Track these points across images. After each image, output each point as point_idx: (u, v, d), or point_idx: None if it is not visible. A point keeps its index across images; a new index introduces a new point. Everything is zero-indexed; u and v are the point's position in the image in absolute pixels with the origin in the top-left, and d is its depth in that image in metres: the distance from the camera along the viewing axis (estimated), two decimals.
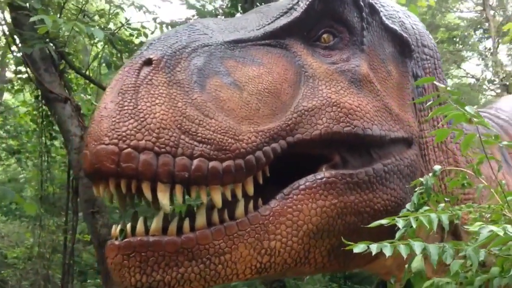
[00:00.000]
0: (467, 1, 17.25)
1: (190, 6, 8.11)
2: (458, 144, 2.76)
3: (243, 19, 2.46)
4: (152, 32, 6.49)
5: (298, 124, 2.18)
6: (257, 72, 2.17)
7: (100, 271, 9.70)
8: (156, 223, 1.97)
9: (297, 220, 2.15)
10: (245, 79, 2.12)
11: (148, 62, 2.00)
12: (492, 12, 15.65)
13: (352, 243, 1.83)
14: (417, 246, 1.80)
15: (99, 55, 6.35)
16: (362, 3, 2.48)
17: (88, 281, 9.85)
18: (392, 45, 2.68)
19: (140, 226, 1.98)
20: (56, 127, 8.68)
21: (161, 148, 1.87)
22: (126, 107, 1.91)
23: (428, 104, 2.50)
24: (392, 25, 2.67)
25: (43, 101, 7.94)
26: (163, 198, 1.90)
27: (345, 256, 2.31)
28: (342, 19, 2.44)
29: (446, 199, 2.37)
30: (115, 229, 2.07)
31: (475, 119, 1.82)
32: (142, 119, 1.89)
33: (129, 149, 1.85)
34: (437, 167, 2.36)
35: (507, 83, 13.55)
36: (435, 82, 2.00)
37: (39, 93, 7.74)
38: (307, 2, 2.37)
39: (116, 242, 1.97)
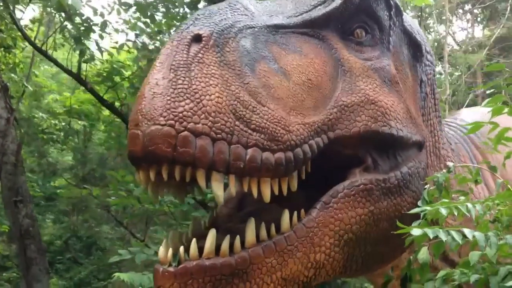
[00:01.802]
0: None
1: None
2: (445, 150, 2.88)
3: (275, 4, 2.35)
4: (110, 13, 6.20)
5: (338, 120, 2.12)
6: (300, 61, 2.08)
7: (18, 263, 9.08)
8: (210, 244, 1.83)
9: (338, 230, 2.10)
10: (290, 67, 2.03)
11: (197, 38, 1.86)
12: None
13: (405, 226, 1.84)
14: (468, 232, 1.84)
15: (58, 29, 5.94)
16: (392, 2, 2.48)
17: (4, 274, 9.15)
18: (407, 48, 2.70)
19: (194, 248, 1.83)
20: None
21: (217, 134, 1.74)
22: (180, 86, 1.76)
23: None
24: (408, 28, 2.70)
25: None
26: (218, 189, 1.78)
27: (374, 261, 2.33)
28: (375, 16, 2.41)
29: (454, 195, 2.45)
30: (166, 253, 1.88)
31: None
32: (198, 100, 1.75)
33: (186, 132, 1.71)
34: (450, 164, 2.45)
35: None
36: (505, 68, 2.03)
37: None
38: None
39: (172, 269, 1.80)
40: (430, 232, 1.83)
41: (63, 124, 10.41)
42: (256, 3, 2.29)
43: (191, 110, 1.72)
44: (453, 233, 1.85)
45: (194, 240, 1.84)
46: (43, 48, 6.53)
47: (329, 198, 2.10)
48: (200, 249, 1.84)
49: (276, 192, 1.94)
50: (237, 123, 1.78)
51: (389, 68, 2.40)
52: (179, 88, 1.75)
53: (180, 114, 1.71)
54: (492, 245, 1.87)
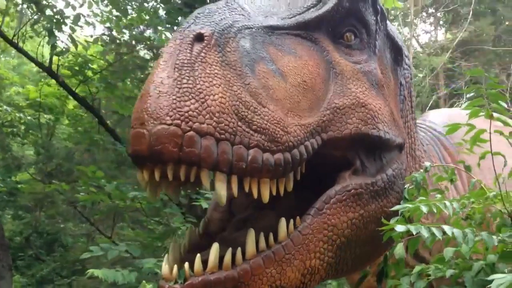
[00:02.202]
0: None
1: None
2: (420, 151, 2.98)
3: (268, 4, 2.34)
4: (81, 5, 6.09)
5: (331, 121, 2.15)
6: (295, 63, 2.10)
7: None
8: (214, 258, 1.87)
9: (331, 235, 2.15)
10: (287, 69, 2.05)
11: (199, 37, 1.85)
12: None
13: (388, 222, 1.92)
14: (448, 229, 1.94)
15: (30, 21, 5.81)
16: (378, 7, 2.54)
17: None
18: (389, 52, 2.76)
19: (198, 264, 1.86)
20: None
21: (221, 134, 1.75)
22: (185, 85, 1.75)
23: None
24: (391, 32, 2.77)
25: None
26: (222, 189, 1.80)
27: (361, 262, 2.42)
28: (364, 20, 2.45)
29: (432, 193, 2.55)
30: (169, 270, 1.91)
31: (500, 116, 1.98)
32: (202, 100, 1.74)
33: (192, 132, 1.70)
34: (427, 163, 2.55)
35: None
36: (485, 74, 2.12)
37: None
38: None
39: (178, 286, 1.83)
40: (413, 229, 1.92)
41: (29, 117, 10.17)
42: (250, 2, 2.28)
43: (196, 110, 1.73)
44: (434, 229, 1.94)
45: (198, 255, 1.86)
46: (14, 40, 6.36)
47: (322, 204, 2.14)
48: (202, 262, 1.87)
49: (274, 193, 1.97)
50: (239, 123, 1.79)
51: (376, 72, 2.45)
52: (184, 88, 1.75)
53: (186, 114, 1.71)
54: (469, 241, 1.97)
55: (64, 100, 10.23)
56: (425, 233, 1.92)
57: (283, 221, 2.02)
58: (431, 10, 20.55)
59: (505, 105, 2.01)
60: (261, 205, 2.09)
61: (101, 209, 7.93)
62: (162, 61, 1.82)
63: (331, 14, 2.31)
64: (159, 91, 1.74)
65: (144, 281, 2.55)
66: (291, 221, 2.05)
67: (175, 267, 1.89)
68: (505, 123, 2.13)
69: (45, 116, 9.87)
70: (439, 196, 2.39)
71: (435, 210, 2.06)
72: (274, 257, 1.95)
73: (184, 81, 1.76)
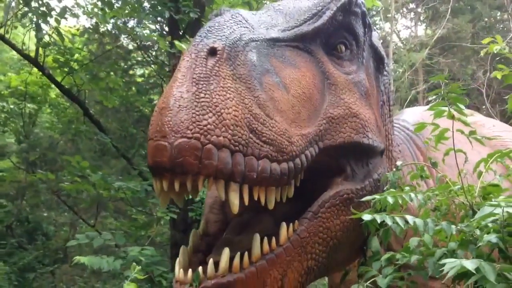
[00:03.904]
0: None
1: None
2: (396, 152, 3.17)
3: (267, 15, 2.44)
4: None
5: (326, 131, 2.28)
6: (295, 74, 2.20)
7: None
8: (225, 263, 2.00)
9: (326, 237, 2.31)
10: (288, 80, 2.15)
11: (212, 51, 1.94)
12: None
13: (358, 212, 2.11)
14: (410, 218, 2.13)
15: (17, 13, 5.84)
16: (367, 20, 2.68)
17: None
18: (372, 61, 2.91)
19: (211, 268, 2.00)
20: None
21: (235, 146, 1.85)
22: (203, 99, 1.84)
23: None
24: (374, 42, 2.92)
25: None
26: (235, 198, 1.90)
27: (349, 260, 2.62)
28: (354, 32, 2.57)
29: (406, 187, 2.74)
30: (183, 273, 2.05)
31: (461, 116, 2.18)
32: (218, 113, 1.83)
33: (210, 145, 1.80)
34: (398, 162, 2.74)
35: None
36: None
37: None
38: (332, 12, 2.45)
39: None
40: (378, 218, 2.11)
41: (11, 106, 10.14)
42: (252, 14, 2.39)
43: (214, 123, 1.82)
44: (397, 219, 2.13)
45: (211, 260, 2.01)
46: (1, 31, 6.39)
47: (318, 208, 2.30)
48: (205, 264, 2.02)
49: (278, 199, 2.11)
50: (250, 135, 1.90)
51: (365, 82, 2.61)
52: (202, 102, 1.83)
53: (205, 128, 1.80)
54: (430, 229, 2.16)
55: (46, 89, 10.22)
56: (389, 222, 2.11)
57: (283, 225, 2.17)
58: (412, 6, 20.86)
59: (464, 107, 2.20)
60: (258, 208, 2.22)
61: (84, 198, 8.02)
62: (180, 75, 1.90)
63: (326, 27, 2.43)
64: (179, 105, 1.82)
65: (134, 263, 2.67)
66: (291, 224, 2.20)
67: (190, 271, 2.03)
68: (466, 123, 2.33)
69: (29, 105, 9.86)
70: (408, 188, 2.57)
71: (400, 201, 2.25)
72: (276, 260, 2.11)
73: (202, 95, 1.84)
